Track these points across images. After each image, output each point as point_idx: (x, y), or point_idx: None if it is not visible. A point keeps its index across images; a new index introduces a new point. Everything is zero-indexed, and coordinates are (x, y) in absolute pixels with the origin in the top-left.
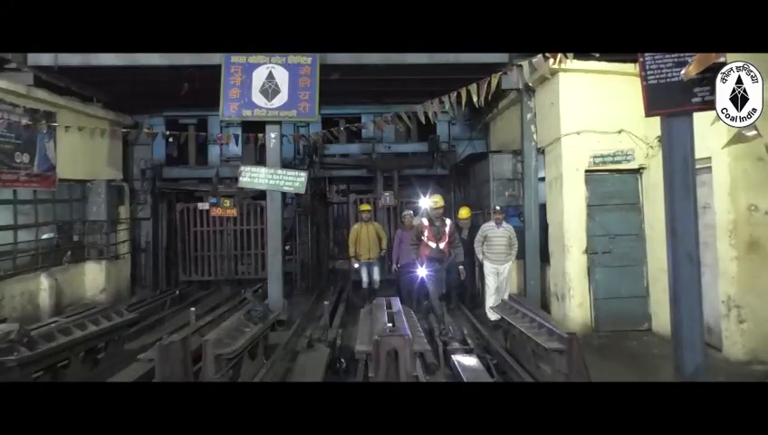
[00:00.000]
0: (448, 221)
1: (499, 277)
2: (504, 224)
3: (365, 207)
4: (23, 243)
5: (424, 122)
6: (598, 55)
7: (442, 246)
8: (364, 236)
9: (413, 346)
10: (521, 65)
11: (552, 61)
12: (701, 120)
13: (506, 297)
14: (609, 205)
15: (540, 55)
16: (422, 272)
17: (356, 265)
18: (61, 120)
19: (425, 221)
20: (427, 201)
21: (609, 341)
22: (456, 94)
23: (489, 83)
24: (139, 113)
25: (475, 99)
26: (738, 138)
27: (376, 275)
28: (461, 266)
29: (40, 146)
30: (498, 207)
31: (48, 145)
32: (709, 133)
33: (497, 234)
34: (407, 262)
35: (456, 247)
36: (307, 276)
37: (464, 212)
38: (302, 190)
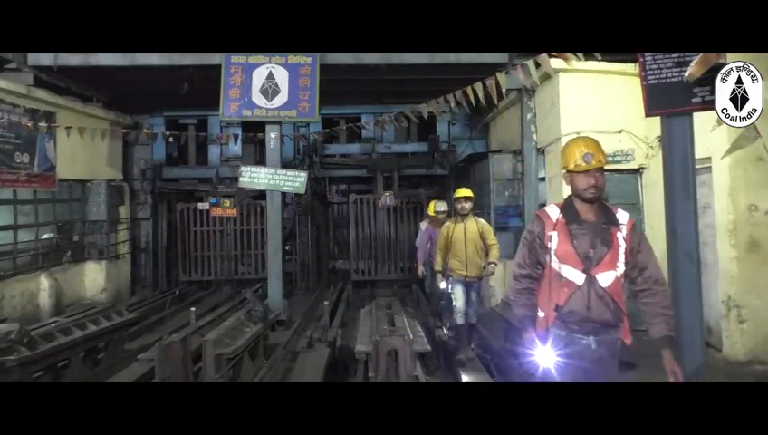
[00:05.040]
0: (623, 214)
1: None
2: None
3: (463, 192)
4: (23, 243)
5: (438, 117)
6: (600, 57)
7: (607, 282)
8: (459, 239)
9: (413, 346)
10: (525, 64)
11: (557, 60)
12: (701, 120)
13: None
14: None
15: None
16: (546, 357)
17: (442, 286)
18: (61, 121)
19: (552, 212)
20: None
21: None
22: (461, 93)
23: (497, 82)
24: (139, 113)
25: (481, 96)
26: (738, 143)
27: (475, 300)
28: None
29: (40, 146)
30: None
31: (48, 145)
32: (709, 133)
33: None
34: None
35: (649, 294)
36: (307, 276)
37: (439, 205)
38: (302, 190)
